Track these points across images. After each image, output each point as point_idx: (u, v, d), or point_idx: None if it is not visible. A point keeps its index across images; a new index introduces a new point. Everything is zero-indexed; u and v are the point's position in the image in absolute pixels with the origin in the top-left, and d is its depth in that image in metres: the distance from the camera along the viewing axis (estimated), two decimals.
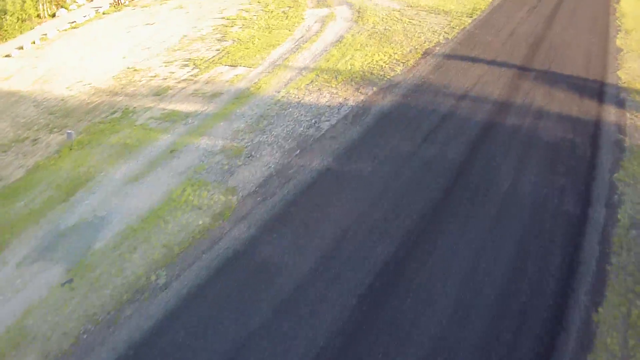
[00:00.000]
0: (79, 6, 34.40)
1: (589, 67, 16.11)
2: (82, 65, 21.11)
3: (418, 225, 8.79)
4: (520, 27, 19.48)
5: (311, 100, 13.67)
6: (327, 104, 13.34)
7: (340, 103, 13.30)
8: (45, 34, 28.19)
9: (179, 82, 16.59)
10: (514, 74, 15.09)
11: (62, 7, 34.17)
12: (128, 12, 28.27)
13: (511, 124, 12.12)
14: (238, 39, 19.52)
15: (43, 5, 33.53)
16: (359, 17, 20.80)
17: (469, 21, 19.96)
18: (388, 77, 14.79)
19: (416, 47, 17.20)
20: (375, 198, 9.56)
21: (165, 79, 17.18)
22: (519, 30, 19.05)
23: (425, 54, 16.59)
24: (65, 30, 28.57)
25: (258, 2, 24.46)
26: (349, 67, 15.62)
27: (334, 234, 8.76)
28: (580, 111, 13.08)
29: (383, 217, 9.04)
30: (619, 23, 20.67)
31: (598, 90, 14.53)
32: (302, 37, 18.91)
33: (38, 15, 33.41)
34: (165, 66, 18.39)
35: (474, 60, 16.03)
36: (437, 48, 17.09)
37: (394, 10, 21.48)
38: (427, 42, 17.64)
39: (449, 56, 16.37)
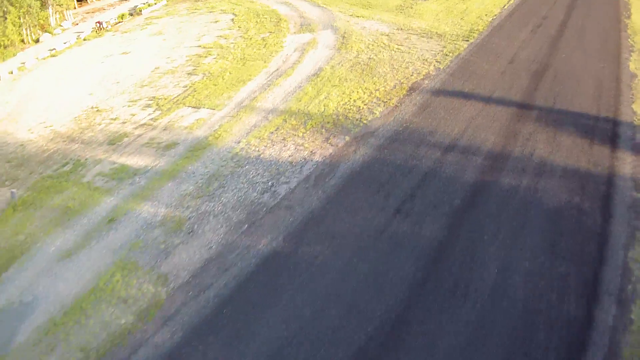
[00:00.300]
0: (64, 30, 33.31)
1: (600, 101, 13.98)
2: (49, 101, 19.88)
3: (373, 342, 6.87)
4: (522, 51, 17.40)
5: (272, 154, 11.85)
6: (290, 159, 11.50)
7: (305, 158, 11.44)
8: (24, 63, 27.07)
9: (136, 128, 14.99)
10: (513, 113, 13.04)
11: (46, 31, 33.20)
12: (108, 39, 26.97)
13: (506, 184, 10.11)
14: (209, 72, 17.86)
15: (27, 30, 32.58)
16: (342, 43, 18.94)
17: (465, 46, 17.93)
18: (365, 121, 12.87)
19: (402, 80, 15.25)
20: (325, 298, 7.68)
21: (125, 122, 15.62)
22: (521, 56, 16.97)
23: (412, 89, 14.64)
24: (44, 58, 27.40)
25: (239, 27, 22.83)
26: (322, 109, 13.75)
27: (269, 350, 6.97)
28: (590, 162, 11.00)
29: (331, 326, 7.16)
30: (632, 42, 18.42)
31: (611, 131, 12.42)
32: (277, 69, 17.13)
33: (22, 41, 32.48)
34: (129, 106, 16.85)
35: (467, 96, 14.03)
36: (426, 81, 15.13)
37: (382, 35, 19.56)
38: (415, 74, 15.68)
39: (438, 92, 14.39)
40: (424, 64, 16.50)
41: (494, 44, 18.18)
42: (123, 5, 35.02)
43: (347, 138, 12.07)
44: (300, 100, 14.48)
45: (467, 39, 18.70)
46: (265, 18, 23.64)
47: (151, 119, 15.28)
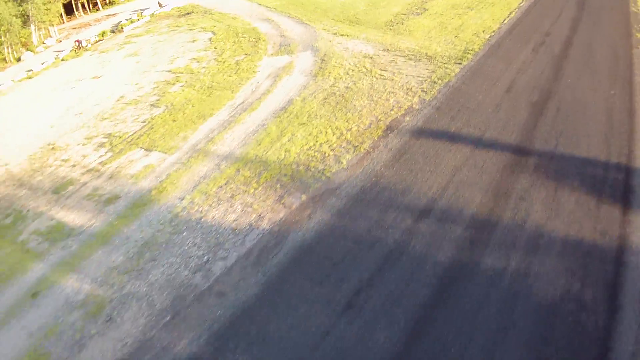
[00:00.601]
0: (46, 47, 32.08)
1: (611, 141, 11.91)
2: (13, 133, 18.62)
3: None
4: (522, 76, 15.37)
5: (215, 217, 10.10)
6: (234, 225, 9.74)
7: (250, 224, 9.65)
8: (0, 85, 25.96)
9: (84, 173, 13.44)
10: (506, 162, 11.05)
11: (29, 49, 32.03)
12: (85, 59, 25.59)
13: (489, 267, 8.18)
14: (172, 104, 16.22)
15: (8, 48, 31.42)
16: (320, 68, 17.09)
17: (457, 70, 15.94)
18: (328, 174, 11.00)
19: (379, 117, 13.35)
20: None
21: (74, 165, 14.09)
22: (519, 82, 14.94)
23: (389, 129, 12.73)
24: (20, 80, 26.15)
25: (215, 48, 21.15)
26: (282, 156, 11.93)
27: None
28: (596, 230, 9.00)
29: None
30: None
31: (623, 184, 10.36)
32: (243, 102, 15.39)
33: (4, 59, 31.38)
34: (84, 144, 15.32)
35: (453, 138, 12.09)
36: (407, 118, 13.20)
37: (365, 57, 17.65)
38: (395, 108, 13.76)
39: (419, 132, 12.46)
40: (407, 94, 14.55)
41: (490, 67, 16.16)
42: (109, 21, 33.74)
43: (304, 197, 10.21)
44: (259, 144, 12.69)
45: (460, 61, 16.70)
46: (244, 37, 21.91)
47: (100, 163, 13.70)
